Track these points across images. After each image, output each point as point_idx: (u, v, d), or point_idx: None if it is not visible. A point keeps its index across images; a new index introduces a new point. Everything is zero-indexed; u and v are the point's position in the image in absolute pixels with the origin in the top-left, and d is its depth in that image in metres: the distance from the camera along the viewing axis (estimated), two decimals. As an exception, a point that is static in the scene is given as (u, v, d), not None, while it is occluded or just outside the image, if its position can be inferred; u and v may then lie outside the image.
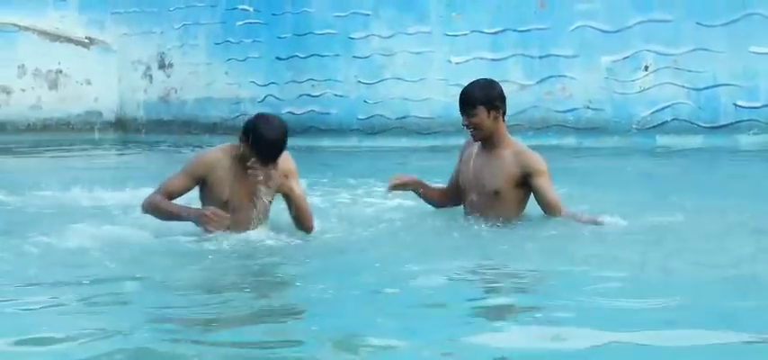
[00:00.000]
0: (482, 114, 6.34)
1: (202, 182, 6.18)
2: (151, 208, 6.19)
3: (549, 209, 6.35)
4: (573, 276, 5.05)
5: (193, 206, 6.26)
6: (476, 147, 6.51)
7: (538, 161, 6.39)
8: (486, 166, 6.43)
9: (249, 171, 6.08)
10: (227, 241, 5.95)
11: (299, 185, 6.28)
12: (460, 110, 6.44)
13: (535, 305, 4.53)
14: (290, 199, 6.23)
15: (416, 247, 5.85)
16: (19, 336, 4.06)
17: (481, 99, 6.35)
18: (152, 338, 4.04)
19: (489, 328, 4.21)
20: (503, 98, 6.38)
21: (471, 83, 6.53)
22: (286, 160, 6.19)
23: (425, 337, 3.97)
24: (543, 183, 6.36)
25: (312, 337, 4.01)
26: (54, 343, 4.00)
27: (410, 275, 5.07)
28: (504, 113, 6.40)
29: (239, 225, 6.15)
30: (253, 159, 6.02)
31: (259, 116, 6.09)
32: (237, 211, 6.15)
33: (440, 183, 7.02)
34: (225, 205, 6.12)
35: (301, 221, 6.25)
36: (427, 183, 6.87)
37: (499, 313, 4.47)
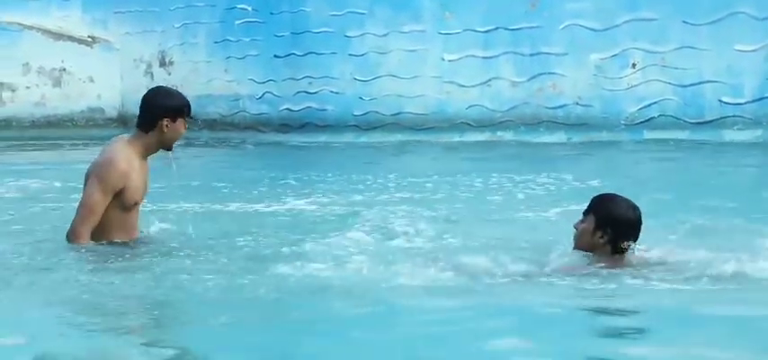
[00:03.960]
0: (588, 223, 5.69)
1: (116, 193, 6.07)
2: (80, 244, 6.05)
3: None
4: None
5: None
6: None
7: None
8: None
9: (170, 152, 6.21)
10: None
11: None
12: None
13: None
14: None
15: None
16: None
17: (593, 206, 5.72)
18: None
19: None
20: (616, 225, 5.60)
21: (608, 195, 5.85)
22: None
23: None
24: None
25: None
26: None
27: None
28: (616, 245, 5.62)
29: (136, 226, 6.26)
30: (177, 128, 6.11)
31: (160, 91, 6.34)
32: (136, 210, 6.21)
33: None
34: (135, 208, 6.15)
35: None
36: None
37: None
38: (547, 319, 4.73)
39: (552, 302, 4.97)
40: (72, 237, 6.07)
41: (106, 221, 6.08)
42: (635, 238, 5.64)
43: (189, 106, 6.18)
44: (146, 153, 6.16)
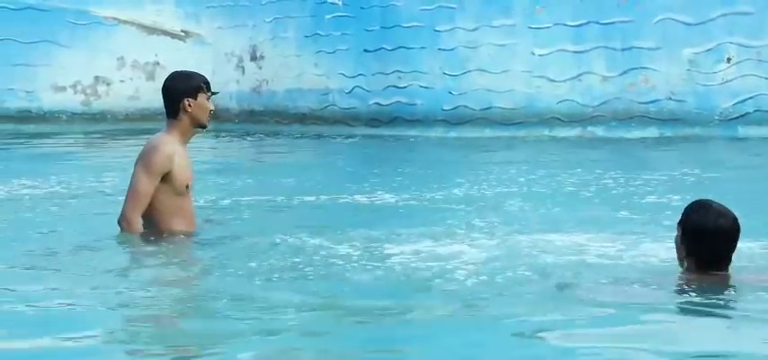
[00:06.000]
0: (678, 233, 5.10)
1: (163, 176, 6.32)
2: (130, 231, 6.30)
3: None
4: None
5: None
6: None
7: None
8: None
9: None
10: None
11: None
12: None
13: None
14: None
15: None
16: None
17: (682, 214, 5.09)
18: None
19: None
20: (696, 235, 4.93)
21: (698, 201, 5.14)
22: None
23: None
24: None
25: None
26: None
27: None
28: (696, 256, 4.98)
29: (193, 215, 6.51)
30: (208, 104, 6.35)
31: (176, 76, 6.47)
32: (189, 196, 6.45)
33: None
34: (187, 190, 6.40)
35: None
36: None
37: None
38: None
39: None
40: (122, 222, 6.37)
41: (162, 209, 6.33)
42: (722, 253, 4.93)
43: (206, 81, 6.44)
44: (183, 138, 6.40)
